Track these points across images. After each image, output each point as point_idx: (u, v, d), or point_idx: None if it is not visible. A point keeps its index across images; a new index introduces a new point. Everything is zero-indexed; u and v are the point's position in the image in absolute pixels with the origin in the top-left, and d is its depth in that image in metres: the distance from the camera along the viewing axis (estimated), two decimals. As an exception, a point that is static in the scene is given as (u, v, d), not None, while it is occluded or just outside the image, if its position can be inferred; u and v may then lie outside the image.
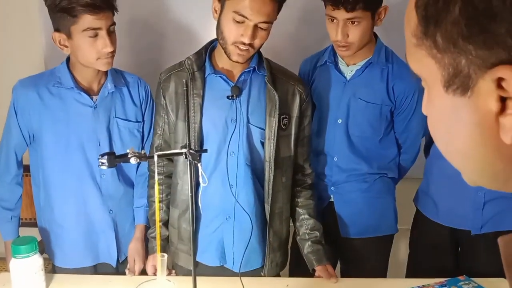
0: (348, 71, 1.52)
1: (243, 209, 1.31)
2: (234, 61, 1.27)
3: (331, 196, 1.59)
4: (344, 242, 1.58)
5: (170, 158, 1.39)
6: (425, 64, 0.41)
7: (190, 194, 0.95)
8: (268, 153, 1.33)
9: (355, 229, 1.57)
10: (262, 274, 1.37)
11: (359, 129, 1.52)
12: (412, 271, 1.63)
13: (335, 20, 1.38)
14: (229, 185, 1.32)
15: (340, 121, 1.53)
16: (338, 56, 1.52)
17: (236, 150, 1.33)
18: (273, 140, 1.32)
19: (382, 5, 1.39)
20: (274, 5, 1.22)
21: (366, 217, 1.57)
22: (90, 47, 1.32)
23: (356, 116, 1.51)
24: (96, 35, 1.31)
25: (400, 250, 1.79)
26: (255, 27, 1.22)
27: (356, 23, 1.37)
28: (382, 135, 1.52)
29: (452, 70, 0.38)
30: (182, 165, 1.35)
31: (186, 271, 1.37)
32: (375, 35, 1.49)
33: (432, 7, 0.38)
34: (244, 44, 1.23)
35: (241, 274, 1.29)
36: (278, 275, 1.44)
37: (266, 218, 1.36)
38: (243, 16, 1.20)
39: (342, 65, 1.53)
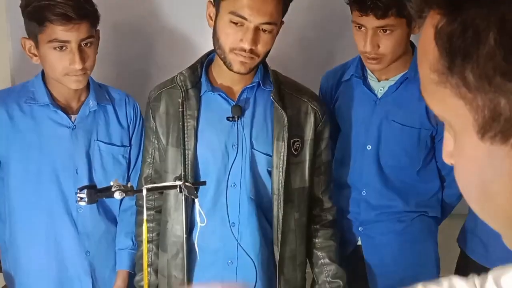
0: (380, 88, 1.40)
1: (247, 253, 1.22)
2: (235, 72, 1.16)
3: (359, 238, 1.45)
4: None
5: (162, 192, 1.27)
6: (450, 106, 0.37)
7: (185, 235, 0.75)
8: (276, 184, 1.22)
9: (388, 280, 1.41)
10: None
11: (392, 158, 1.39)
12: None
13: (363, 28, 1.27)
14: (231, 223, 1.22)
15: (369, 147, 1.40)
16: (367, 70, 1.40)
17: (238, 181, 1.22)
18: (282, 168, 1.21)
19: None
20: (277, 3, 1.12)
21: (401, 266, 1.41)
22: (56, 61, 1.25)
23: (389, 142, 1.38)
24: (64, 48, 1.23)
25: None
26: (256, 29, 1.12)
27: (388, 31, 1.26)
28: (421, 165, 1.39)
29: (488, 113, 0.35)
30: (173, 199, 1.24)
31: None
32: (412, 45, 1.37)
33: (459, 39, 0.35)
34: (244, 50, 1.12)
35: None
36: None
37: (275, 263, 1.25)
38: (241, 16, 1.11)
39: (372, 81, 1.41)
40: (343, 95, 1.44)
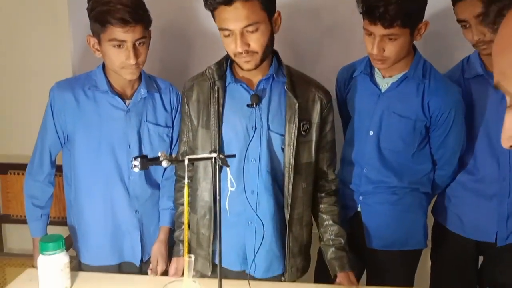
0: (384, 84, 1.60)
1: (258, 217, 1.41)
2: (246, 70, 1.39)
3: (359, 205, 1.68)
4: (370, 253, 1.69)
5: (193, 163, 1.52)
6: None
7: (218, 197, 1.02)
8: (288, 159, 1.43)
9: (382, 241, 1.67)
10: (282, 279, 1.51)
11: (390, 143, 1.60)
12: (436, 284, 1.75)
13: (372, 34, 1.46)
14: (251, 191, 1.42)
15: (371, 133, 1.61)
16: (375, 68, 1.61)
17: (257, 156, 1.43)
18: (293, 146, 1.42)
19: (423, 20, 1.46)
20: (250, 7, 1.29)
21: (393, 230, 1.65)
22: (115, 56, 1.46)
23: (389, 130, 1.59)
24: (121, 46, 1.43)
25: (428, 262, 1.76)
26: (242, 33, 1.31)
27: (393, 39, 1.43)
28: (415, 150, 1.60)
29: None
30: (202, 171, 1.48)
31: (203, 276, 1.43)
32: (414, 48, 1.57)
33: None
34: (241, 53, 1.32)
35: (261, 280, 1.31)
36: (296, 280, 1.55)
37: (286, 223, 1.46)
38: (226, 29, 1.32)
39: (378, 77, 1.62)
40: (353, 88, 1.66)
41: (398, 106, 1.55)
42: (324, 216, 1.54)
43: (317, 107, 1.46)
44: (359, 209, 1.68)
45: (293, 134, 1.41)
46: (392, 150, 1.59)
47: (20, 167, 2.05)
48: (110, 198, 1.59)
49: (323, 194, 1.55)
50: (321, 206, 1.55)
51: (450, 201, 1.69)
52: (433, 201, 1.77)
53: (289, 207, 1.45)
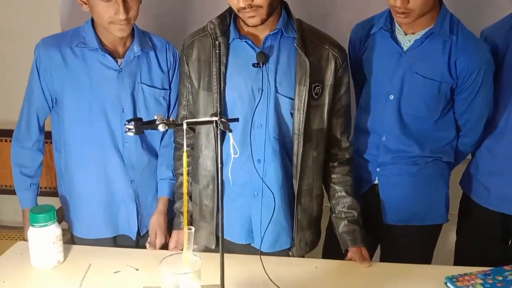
0: (406, 41, 1.53)
1: (269, 187, 1.37)
2: (251, 26, 1.32)
3: (376, 178, 1.64)
4: (386, 228, 1.66)
5: (194, 129, 1.48)
6: None
7: (220, 165, 0.93)
8: (297, 124, 1.38)
9: (400, 216, 1.63)
10: (290, 253, 1.49)
11: (413, 108, 1.54)
12: (460, 259, 1.72)
13: None
14: (257, 160, 1.38)
15: (392, 97, 1.55)
16: (396, 23, 1.53)
17: (263, 122, 1.38)
18: (303, 110, 1.37)
19: None
20: None
21: (413, 204, 1.62)
22: (103, 10, 1.40)
23: (411, 93, 1.53)
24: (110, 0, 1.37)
25: (450, 236, 1.73)
26: None
27: None
28: (439, 115, 1.55)
29: None
30: (204, 138, 1.44)
31: (207, 249, 1.38)
32: (440, 1, 1.49)
33: None
34: (245, 8, 1.26)
35: (269, 254, 1.28)
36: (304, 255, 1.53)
37: (294, 195, 1.44)
38: None
39: (399, 34, 1.54)
40: (371, 46, 1.59)
41: (422, 66, 1.49)
42: (336, 187, 1.51)
43: (331, 66, 1.39)
44: (375, 182, 1.64)
45: (303, 97, 1.35)
46: (414, 115, 1.54)
47: (8, 134, 2.00)
48: (103, 166, 1.56)
49: (336, 164, 1.51)
50: (333, 176, 1.51)
51: (477, 170, 1.65)
52: (461, 170, 1.72)
53: (298, 177, 1.41)
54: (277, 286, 1.06)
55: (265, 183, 1.37)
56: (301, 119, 1.36)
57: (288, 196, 1.44)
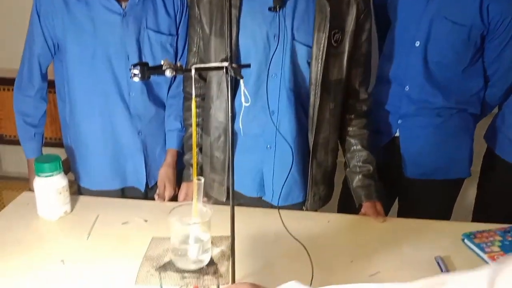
0: None
1: (285, 139, 1.36)
2: None
3: (397, 130, 1.63)
4: (406, 182, 1.66)
5: (205, 79, 1.46)
6: None
7: (230, 114, 0.89)
8: (315, 74, 1.35)
9: (421, 169, 1.64)
10: (304, 208, 1.50)
11: (439, 55, 1.51)
12: (479, 215, 1.74)
13: None
14: (270, 111, 1.37)
15: (418, 43, 1.51)
16: None
17: (278, 71, 1.35)
18: (321, 59, 1.33)
19: None
20: None
21: (435, 157, 1.62)
22: None
23: (439, 39, 1.49)
24: None
25: (469, 193, 1.72)
26: None
27: None
28: (467, 64, 1.51)
29: None
30: (216, 88, 1.42)
31: (218, 203, 1.38)
32: None
33: None
34: None
35: (280, 208, 1.38)
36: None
37: (309, 148, 1.43)
38: None
39: None
40: None
41: (451, 11, 1.44)
42: (352, 140, 1.50)
43: (353, 11, 1.34)
44: (396, 134, 1.63)
45: (322, 45, 1.31)
46: (440, 64, 1.51)
47: (10, 82, 2.00)
48: (109, 116, 1.56)
49: (353, 116, 1.49)
50: (350, 129, 1.50)
51: (503, 123, 1.63)
52: (486, 124, 1.71)
53: (313, 131, 1.40)
54: (293, 236, 1.06)
55: (280, 133, 1.35)
56: (319, 68, 1.33)
57: (302, 150, 1.43)
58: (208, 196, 1.54)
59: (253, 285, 0.80)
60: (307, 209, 1.48)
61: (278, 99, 1.36)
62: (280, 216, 1.07)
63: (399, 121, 1.60)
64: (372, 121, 1.52)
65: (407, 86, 1.56)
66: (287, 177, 1.35)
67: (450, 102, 1.55)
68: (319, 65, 1.33)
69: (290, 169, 1.36)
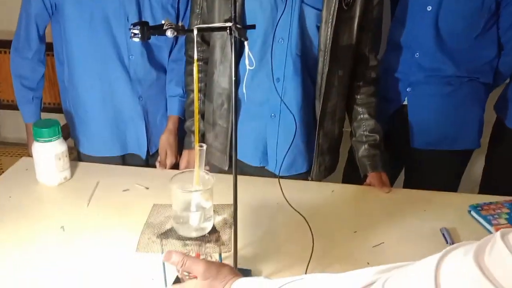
0: None
1: (289, 108, 1.32)
2: None
3: (405, 98, 1.62)
4: (413, 153, 1.66)
5: (208, 43, 1.43)
6: None
7: (234, 78, 0.87)
8: (324, 39, 1.32)
9: (429, 139, 1.63)
10: (309, 178, 1.50)
11: (451, 21, 1.48)
12: (486, 188, 1.74)
13: None
14: (275, 78, 1.35)
15: (429, 8, 1.49)
16: None
17: (286, 36, 1.32)
18: (331, 23, 1.30)
19: None
20: None
21: (443, 127, 1.61)
22: None
23: (451, 4, 1.46)
24: None
25: (477, 165, 1.71)
26: None
27: None
28: (480, 31, 1.48)
29: None
30: (219, 52, 1.40)
31: (221, 172, 1.41)
32: None
33: None
34: None
35: (284, 178, 1.40)
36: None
37: (316, 117, 1.42)
38: None
39: None
40: None
41: None
42: (360, 109, 1.48)
43: None
44: (404, 103, 1.61)
45: (332, 8, 1.28)
46: (452, 30, 1.48)
47: (9, 44, 1.96)
48: (108, 80, 1.55)
49: (361, 83, 1.47)
50: (357, 97, 1.48)
51: None
52: (496, 94, 1.69)
53: (321, 99, 1.38)
54: (292, 207, 1.06)
55: (284, 103, 1.34)
56: (329, 33, 1.30)
57: (307, 119, 1.42)
58: (210, 165, 1.54)
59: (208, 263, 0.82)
60: (312, 179, 1.48)
61: (284, 66, 1.33)
62: (280, 185, 1.06)
63: (408, 89, 1.59)
64: (381, 89, 1.50)
65: (417, 53, 1.53)
66: (289, 147, 1.32)
67: (461, 71, 1.53)
68: (329, 29, 1.29)
69: (293, 138, 1.32)
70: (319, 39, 1.32)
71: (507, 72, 1.58)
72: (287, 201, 1.06)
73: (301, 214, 1.08)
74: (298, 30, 1.31)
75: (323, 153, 1.46)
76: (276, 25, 1.28)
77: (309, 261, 1.06)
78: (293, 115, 1.33)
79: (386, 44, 1.63)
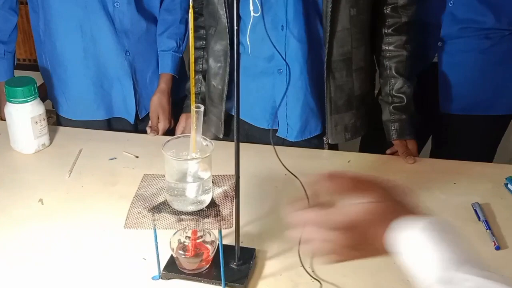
0: None
1: (282, 57, 1.31)
2: None
3: (435, 55, 1.59)
4: (443, 118, 1.65)
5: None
6: None
7: (236, 28, 0.84)
8: None
9: (462, 103, 1.61)
10: (325, 140, 1.47)
11: None
12: None
13: None
14: (280, 27, 1.32)
15: None
16: None
17: None
18: None
19: None
20: None
21: (479, 89, 1.59)
22: None
23: None
24: None
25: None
26: None
27: None
28: None
29: None
30: (217, 3, 1.38)
31: (217, 139, 1.41)
32: None
33: None
34: None
35: (298, 144, 1.39)
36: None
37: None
38: None
39: None
40: None
41: None
42: (387, 63, 1.45)
43: None
44: (435, 60, 1.59)
45: None
46: None
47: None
48: (90, 31, 1.54)
49: (390, 31, 1.42)
50: (384, 48, 1.44)
51: None
52: None
53: (327, 43, 1.35)
54: (297, 179, 1.04)
55: (280, 55, 1.29)
56: None
57: (318, 71, 1.39)
58: (207, 130, 1.51)
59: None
60: (328, 142, 1.45)
61: (286, 10, 1.29)
62: (276, 154, 1.03)
63: (439, 44, 1.56)
64: (415, 38, 1.44)
65: (452, 1, 1.50)
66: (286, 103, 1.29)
67: (502, 23, 1.50)
68: None
69: (294, 94, 1.30)
70: None
71: None
72: (288, 170, 1.04)
73: (303, 187, 1.06)
74: None
75: (339, 110, 1.42)
76: None
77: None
78: (289, 66, 1.31)
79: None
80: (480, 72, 1.57)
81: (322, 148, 1.47)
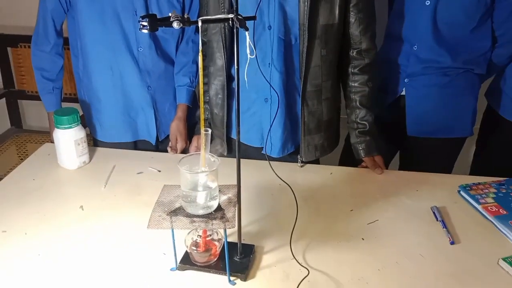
0: None
1: (274, 90, 1.33)
2: None
3: (403, 89, 1.62)
4: (409, 140, 1.66)
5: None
6: None
7: (236, 67, 0.87)
8: (302, 17, 1.28)
9: (425, 128, 1.63)
10: (299, 157, 1.48)
11: (449, 15, 1.47)
12: (476, 170, 1.74)
13: None
14: (267, 63, 1.34)
15: (428, 3, 1.48)
16: None
17: (272, 22, 1.30)
18: (307, 1, 1.26)
19: None
20: None
21: (439, 116, 1.60)
22: None
23: None
24: None
25: (469, 150, 1.85)
26: None
27: None
28: (476, 24, 1.48)
29: None
30: (215, 44, 1.41)
31: (224, 157, 1.43)
32: None
33: None
34: None
35: (279, 160, 1.42)
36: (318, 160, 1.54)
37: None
38: None
39: None
40: None
41: None
42: (352, 96, 1.46)
43: None
44: (402, 93, 1.61)
45: None
46: (450, 23, 1.48)
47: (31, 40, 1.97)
48: (119, 71, 1.58)
49: (355, 70, 1.43)
50: (351, 84, 1.45)
51: (505, 82, 1.60)
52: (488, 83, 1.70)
53: (302, 77, 1.36)
54: (289, 186, 1.06)
55: (271, 85, 1.32)
56: (305, 11, 1.26)
57: (295, 99, 1.41)
58: (213, 150, 1.55)
59: None
60: (301, 159, 1.46)
61: (272, 50, 1.30)
62: (271, 167, 1.04)
63: (406, 80, 1.58)
64: (376, 76, 1.46)
65: (416, 45, 1.52)
66: (270, 126, 1.29)
67: (457, 62, 1.52)
68: (306, 7, 1.25)
69: (275, 117, 1.32)
70: (299, 16, 1.28)
71: (501, 63, 1.57)
72: (283, 180, 1.07)
73: (294, 194, 1.07)
74: (280, 14, 1.26)
75: (311, 132, 1.43)
76: (257, 9, 1.20)
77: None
78: (278, 95, 1.33)
79: (385, 36, 1.62)
80: (440, 103, 1.57)
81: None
